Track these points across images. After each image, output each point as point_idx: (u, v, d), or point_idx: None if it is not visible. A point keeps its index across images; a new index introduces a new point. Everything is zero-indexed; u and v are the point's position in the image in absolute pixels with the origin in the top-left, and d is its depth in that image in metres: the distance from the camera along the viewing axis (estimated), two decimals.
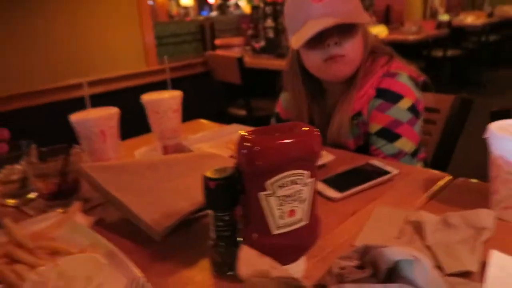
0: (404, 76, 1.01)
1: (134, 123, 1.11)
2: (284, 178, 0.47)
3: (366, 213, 0.69)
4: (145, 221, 0.64)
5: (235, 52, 3.40)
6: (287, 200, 0.48)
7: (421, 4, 5.44)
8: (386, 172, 0.81)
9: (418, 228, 0.63)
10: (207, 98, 3.13)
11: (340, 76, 1.02)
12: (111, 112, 0.92)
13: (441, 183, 0.78)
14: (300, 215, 0.50)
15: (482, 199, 0.69)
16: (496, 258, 0.54)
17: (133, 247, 0.64)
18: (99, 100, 0.94)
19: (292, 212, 0.50)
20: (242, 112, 2.84)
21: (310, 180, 0.49)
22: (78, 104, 0.96)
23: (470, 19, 5.11)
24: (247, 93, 2.69)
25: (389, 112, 0.99)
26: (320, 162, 0.89)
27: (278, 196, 0.48)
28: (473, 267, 0.54)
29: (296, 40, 0.98)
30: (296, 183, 0.48)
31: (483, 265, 0.54)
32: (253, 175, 0.47)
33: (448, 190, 0.76)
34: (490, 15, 5.54)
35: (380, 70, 1.02)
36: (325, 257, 0.57)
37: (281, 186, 0.47)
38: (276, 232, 0.50)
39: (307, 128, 0.48)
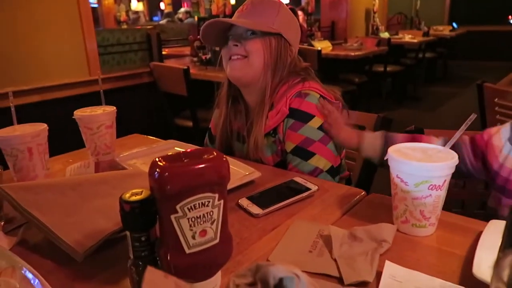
0: (314, 97, 1.05)
1: (75, 133, 1.09)
2: (193, 201, 0.50)
3: (284, 228, 0.74)
4: (66, 242, 0.64)
5: (184, 63, 3.40)
6: (197, 221, 0.52)
7: (363, 22, 5.75)
8: (307, 189, 0.86)
9: (328, 242, 0.69)
10: (153, 108, 3.10)
11: (237, 75, 1.09)
12: (39, 129, 0.91)
13: (355, 198, 0.85)
14: (211, 235, 0.54)
15: (390, 213, 0.76)
16: (388, 268, 0.61)
17: (54, 267, 0.65)
18: (37, 109, 0.91)
19: (203, 232, 0.53)
20: (189, 123, 2.84)
21: (219, 202, 0.52)
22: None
23: (407, 37, 5.48)
24: (194, 105, 2.70)
25: (301, 131, 1.04)
26: (248, 178, 0.94)
27: (189, 218, 0.51)
28: (370, 277, 0.60)
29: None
30: (206, 206, 0.52)
31: (380, 275, 0.61)
32: (164, 199, 0.50)
33: (360, 205, 0.83)
34: (426, 34, 5.99)
35: (293, 90, 1.06)
36: None
37: (191, 209, 0.51)
38: (189, 251, 0.53)
39: (215, 154, 0.52)
